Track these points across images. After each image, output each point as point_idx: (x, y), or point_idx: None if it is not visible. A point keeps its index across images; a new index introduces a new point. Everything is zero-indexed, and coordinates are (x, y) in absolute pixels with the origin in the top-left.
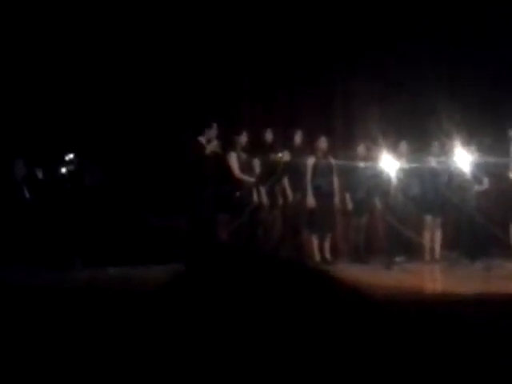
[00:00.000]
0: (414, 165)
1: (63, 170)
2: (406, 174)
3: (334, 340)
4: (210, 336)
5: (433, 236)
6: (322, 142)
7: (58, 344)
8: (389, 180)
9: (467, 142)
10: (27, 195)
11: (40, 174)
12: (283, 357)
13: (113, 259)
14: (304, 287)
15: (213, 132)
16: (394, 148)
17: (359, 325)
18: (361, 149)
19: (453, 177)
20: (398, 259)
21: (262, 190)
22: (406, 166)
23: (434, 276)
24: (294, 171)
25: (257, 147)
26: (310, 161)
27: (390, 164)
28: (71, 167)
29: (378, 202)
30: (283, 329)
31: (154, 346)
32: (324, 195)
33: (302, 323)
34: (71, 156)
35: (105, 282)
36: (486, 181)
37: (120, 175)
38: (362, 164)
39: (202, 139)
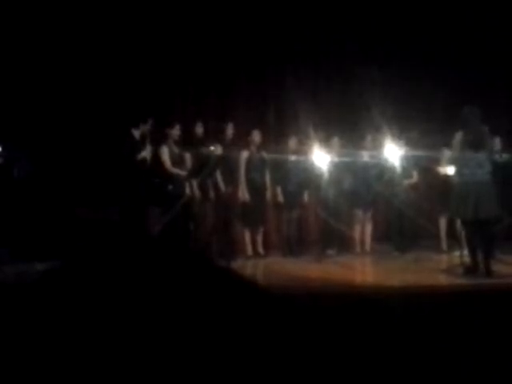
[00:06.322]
0: (346, 159)
1: None
2: (338, 168)
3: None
4: (74, 331)
5: (363, 229)
6: (256, 136)
7: None
8: (320, 174)
9: (397, 137)
10: None
11: None
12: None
13: (41, 253)
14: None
15: (147, 127)
16: (325, 142)
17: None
18: (292, 142)
19: (383, 171)
20: (329, 252)
21: (194, 183)
22: (337, 159)
23: (364, 268)
24: (227, 164)
25: (189, 140)
26: (244, 154)
27: (321, 158)
28: None
29: (309, 196)
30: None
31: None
32: (257, 189)
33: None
34: None
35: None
36: (415, 174)
37: (50, 168)
38: (293, 157)
39: (136, 133)
